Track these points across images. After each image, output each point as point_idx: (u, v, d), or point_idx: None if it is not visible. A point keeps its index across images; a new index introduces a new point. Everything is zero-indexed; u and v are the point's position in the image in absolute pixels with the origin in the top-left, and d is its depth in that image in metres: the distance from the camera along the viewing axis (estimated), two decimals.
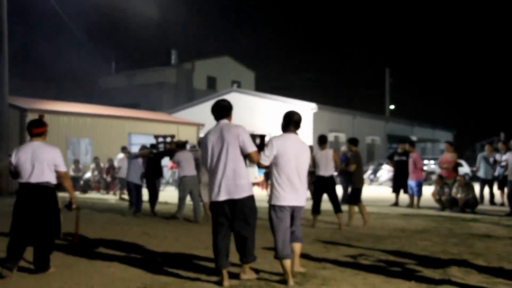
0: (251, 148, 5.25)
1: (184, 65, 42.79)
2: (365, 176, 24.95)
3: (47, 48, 32.88)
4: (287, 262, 5.25)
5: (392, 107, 46.42)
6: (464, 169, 26.62)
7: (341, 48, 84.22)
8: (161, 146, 12.58)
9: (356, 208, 10.12)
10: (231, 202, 5.20)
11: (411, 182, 13.56)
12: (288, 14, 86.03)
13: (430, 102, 65.19)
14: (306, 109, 27.83)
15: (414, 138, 33.12)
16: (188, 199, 10.96)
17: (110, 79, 44.63)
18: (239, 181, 5.19)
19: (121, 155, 17.12)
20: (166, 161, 25.32)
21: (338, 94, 55.88)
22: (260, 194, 18.66)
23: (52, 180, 5.89)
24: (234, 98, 30.67)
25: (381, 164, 25.50)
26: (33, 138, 5.97)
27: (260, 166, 5.49)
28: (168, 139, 12.51)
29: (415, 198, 13.60)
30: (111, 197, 17.69)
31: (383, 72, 45.23)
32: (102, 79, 45.11)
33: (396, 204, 13.89)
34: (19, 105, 20.01)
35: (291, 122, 5.67)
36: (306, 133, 27.42)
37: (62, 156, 6.10)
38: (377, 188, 20.92)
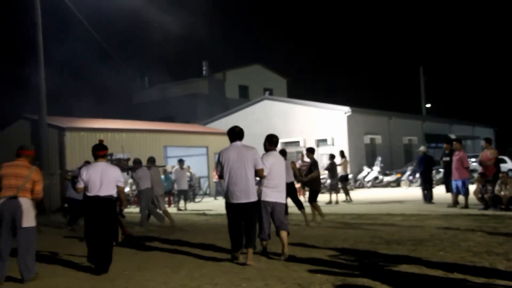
0: (261, 165, 7.03)
1: (216, 76, 43.12)
2: (404, 177, 24.56)
3: (81, 66, 33.71)
4: (264, 242, 7.33)
5: (428, 105, 45.64)
6: (508, 165, 25.89)
7: (373, 49, 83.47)
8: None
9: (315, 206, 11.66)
10: (245, 204, 6.90)
11: (457, 182, 13.22)
12: (318, 18, 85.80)
13: (468, 98, 63.72)
14: (340, 113, 27.65)
15: (452, 136, 32.47)
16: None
17: (143, 94, 45.34)
18: (252, 188, 6.98)
19: (177, 167, 18.40)
20: (203, 172, 25.54)
21: (372, 96, 55.29)
22: None
23: (114, 193, 7.13)
24: (266, 105, 30.74)
25: None
26: (98, 159, 7.23)
27: (262, 176, 7.14)
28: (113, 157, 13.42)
29: (461, 198, 13.23)
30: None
31: (417, 71, 44.60)
32: (136, 94, 45.88)
33: (456, 203, 13.43)
34: (57, 125, 20.56)
35: (272, 142, 7.57)
36: (341, 137, 27.22)
37: None
38: (416, 190, 20.54)
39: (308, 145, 28.19)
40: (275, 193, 7.31)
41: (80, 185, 7.09)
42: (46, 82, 19.30)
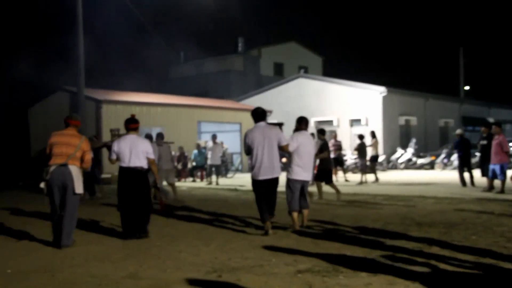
0: (285, 142, 7.63)
1: (251, 52, 42.97)
2: (438, 160, 24.18)
3: (117, 41, 34.07)
4: (295, 214, 7.79)
5: (467, 87, 44.54)
6: None
7: (412, 27, 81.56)
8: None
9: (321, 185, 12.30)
10: (270, 180, 7.51)
11: (495, 166, 12.92)
12: None
13: (509, 81, 61.83)
14: (375, 93, 27.26)
15: (491, 120, 31.66)
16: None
17: (179, 69, 45.60)
18: (276, 165, 7.56)
19: (210, 144, 18.57)
20: (235, 148, 25.64)
21: (409, 76, 54.24)
22: None
23: (145, 165, 7.49)
24: (301, 83, 30.53)
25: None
26: (129, 132, 7.58)
27: (286, 151, 7.78)
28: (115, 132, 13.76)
29: (497, 182, 12.93)
30: (182, 185, 18.17)
31: (457, 52, 43.46)
32: (172, 69, 46.17)
33: (491, 188, 13.16)
34: (94, 97, 20.92)
35: (303, 123, 8.05)
36: (375, 117, 26.89)
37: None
38: (451, 173, 20.22)
39: (342, 125, 28.04)
40: (304, 172, 7.85)
41: (113, 156, 7.50)
42: (85, 55, 19.59)
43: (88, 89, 21.01)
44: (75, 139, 6.91)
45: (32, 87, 29.28)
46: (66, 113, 8.06)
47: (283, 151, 7.81)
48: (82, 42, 19.27)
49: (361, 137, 17.62)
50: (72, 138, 6.90)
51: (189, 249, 6.56)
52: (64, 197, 6.77)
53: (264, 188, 7.56)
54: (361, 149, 17.34)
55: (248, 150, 7.63)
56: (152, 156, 7.62)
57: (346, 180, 17.94)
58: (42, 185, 6.87)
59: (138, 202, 7.36)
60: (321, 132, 12.65)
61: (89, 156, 7.03)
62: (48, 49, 36.51)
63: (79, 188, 6.81)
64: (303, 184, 7.92)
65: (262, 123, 7.68)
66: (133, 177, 7.37)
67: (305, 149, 7.85)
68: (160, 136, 13.41)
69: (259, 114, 7.72)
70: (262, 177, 7.50)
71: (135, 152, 7.36)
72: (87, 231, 8.06)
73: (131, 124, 7.64)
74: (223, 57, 42.82)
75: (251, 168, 7.67)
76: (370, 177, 17.43)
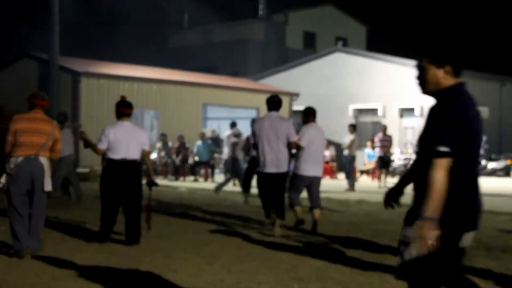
0: (294, 137, 8.66)
1: (275, 18, 42.84)
2: None
3: None
4: (298, 208, 9.12)
5: None
6: None
7: None
8: None
9: None
10: (275, 175, 8.58)
11: None
12: None
13: None
14: None
15: None
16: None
17: (181, 36, 45.65)
18: (283, 160, 8.59)
19: (228, 132, 17.52)
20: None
21: (480, 54, 53.68)
22: (371, 185, 18.42)
23: (139, 157, 8.03)
24: (338, 59, 30.41)
25: None
26: (123, 118, 7.96)
27: (298, 148, 8.83)
28: None
29: None
30: (181, 185, 18.18)
31: None
32: (172, 36, 46.24)
33: None
34: (72, 68, 21.01)
35: (310, 114, 9.25)
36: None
37: None
38: None
39: (389, 115, 27.89)
40: (313, 167, 9.09)
41: (104, 145, 7.77)
42: (61, 15, 19.62)
43: (64, 57, 21.09)
44: (47, 125, 7.02)
45: None
46: (34, 87, 8.17)
47: (291, 147, 8.73)
48: None
49: None
50: (42, 124, 7.00)
51: (187, 269, 6.54)
52: (29, 195, 6.89)
53: (267, 183, 8.67)
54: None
55: (255, 139, 8.71)
56: (148, 148, 8.25)
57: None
58: (3, 179, 6.95)
59: (132, 202, 7.88)
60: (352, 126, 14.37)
61: (60, 145, 7.22)
62: (12, 4, 36.73)
63: (48, 184, 6.98)
64: (313, 181, 9.15)
65: (274, 113, 8.76)
66: (129, 171, 7.85)
67: (316, 143, 9.07)
68: (62, 117, 12.76)
69: (274, 103, 8.79)
70: (267, 170, 8.61)
71: (134, 143, 7.89)
72: (56, 240, 8.07)
73: (126, 109, 8.03)
74: (239, 23, 42.77)
75: (257, 161, 8.84)
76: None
